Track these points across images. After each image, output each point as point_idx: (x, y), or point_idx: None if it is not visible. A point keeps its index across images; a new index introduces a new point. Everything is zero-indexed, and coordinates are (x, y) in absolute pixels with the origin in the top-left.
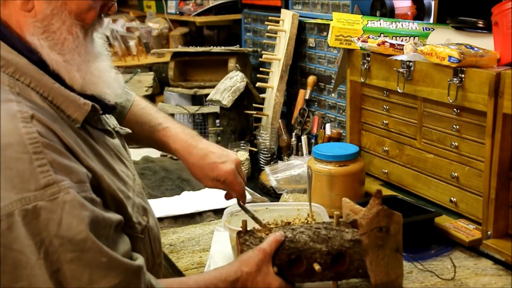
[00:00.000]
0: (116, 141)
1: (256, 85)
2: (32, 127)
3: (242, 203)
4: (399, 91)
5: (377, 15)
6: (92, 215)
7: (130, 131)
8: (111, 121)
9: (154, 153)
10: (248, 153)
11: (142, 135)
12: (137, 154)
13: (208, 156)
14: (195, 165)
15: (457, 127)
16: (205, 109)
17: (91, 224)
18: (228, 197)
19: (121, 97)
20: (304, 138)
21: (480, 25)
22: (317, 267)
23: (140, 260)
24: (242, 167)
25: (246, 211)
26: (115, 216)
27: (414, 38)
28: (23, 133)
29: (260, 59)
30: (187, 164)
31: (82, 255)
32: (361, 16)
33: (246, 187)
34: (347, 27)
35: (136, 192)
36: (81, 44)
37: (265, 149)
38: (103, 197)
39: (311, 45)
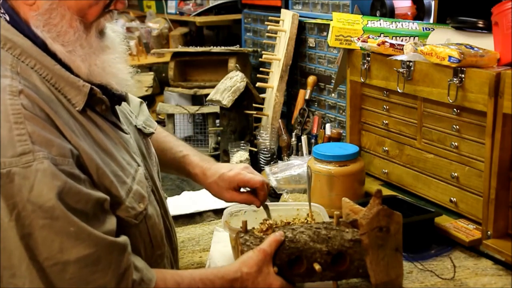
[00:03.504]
0: (127, 136)
1: (256, 85)
2: (17, 100)
3: (262, 200)
4: (399, 91)
5: (377, 15)
6: (64, 186)
7: (154, 131)
8: (133, 119)
9: None
10: (248, 153)
11: (163, 160)
12: None
13: (219, 171)
14: (211, 184)
15: (457, 127)
16: (205, 109)
17: (61, 194)
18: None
19: (146, 124)
20: (304, 138)
21: (480, 25)
22: (317, 267)
23: (121, 239)
24: None
25: (266, 208)
26: (97, 194)
27: (414, 38)
28: (7, 104)
29: (260, 59)
30: (205, 185)
31: (52, 223)
32: (361, 16)
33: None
34: (347, 27)
35: (137, 180)
36: (82, 37)
37: (265, 149)
38: (90, 176)
39: (311, 45)
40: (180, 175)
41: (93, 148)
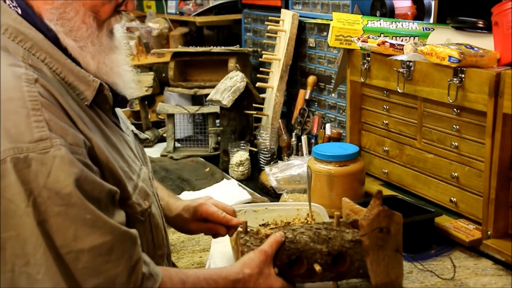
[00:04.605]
0: (128, 137)
1: (256, 85)
2: (34, 87)
3: (231, 230)
4: (399, 91)
5: (377, 15)
6: (81, 173)
7: (148, 136)
8: (128, 124)
9: (154, 153)
10: (248, 153)
11: None
12: None
13: (182, 204)
14: (175, 217)
15: (457, 127)
16: (205, 109)
17: (78, 181)
18: (215, 236)
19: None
20: (304, 138)
21: (480, 25)
22: (317, 267)
23: (133, 230)
24: (242, 167)
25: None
26: (109, 185)
27: (414, 38)
28: (24, 91)
29: (260, 59)
30: (170, 219)
31: (68, 210)
32: (361, 16)
33: (245, 187)
34: (347, 27)
35: (142, 178)
36: (94, 34)
37: (265, 149)
38: (100, 169)
39: (311, 45)
40: None
41: (102, 142)
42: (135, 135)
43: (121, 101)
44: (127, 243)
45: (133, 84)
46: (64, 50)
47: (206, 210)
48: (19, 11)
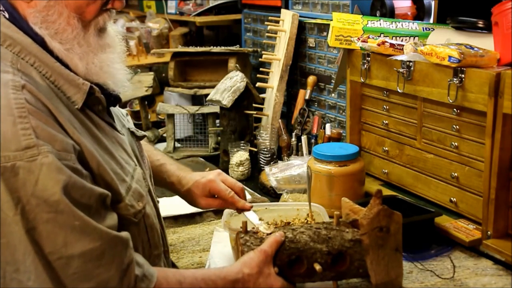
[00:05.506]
0: (123, 137)
1: (256, 85)
2: (21, 94)
3: (238, 210)
4: (399, 91)
5: (377, 15)
6: (69, 180)
7: (145, 134)
8: (125, 122)
9: None
10: (248, 153)
11: None
12: None
13: (193, 179)
14: (186, 192)
15: (457, 127)
16: (205, 109)
17: (66, 188)
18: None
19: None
20: (304, 138)
21: (480, 25)
22: (317, 267)
23: (124, 233)
24: (242, 167)
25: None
26: (100, 189)
27: (414, 38)
28: (11, 98)
29: (260, 59)
30: (181, 194)
31: (56, 217)
32: (361, 16)
33: (245, 187)
34: (347, 27)
35: (136, 179)
36: (80, 36)
37: (265, 149)
38: (91, 172)
39: (311, 45)
40: (156, 184)
41: (93, 146)
42: (132, 133)
43: (114, 100)
44: (117, 247)
45: (127, 83)
46: (52, 53)
47: (215, 187)
48: (6, 15)
